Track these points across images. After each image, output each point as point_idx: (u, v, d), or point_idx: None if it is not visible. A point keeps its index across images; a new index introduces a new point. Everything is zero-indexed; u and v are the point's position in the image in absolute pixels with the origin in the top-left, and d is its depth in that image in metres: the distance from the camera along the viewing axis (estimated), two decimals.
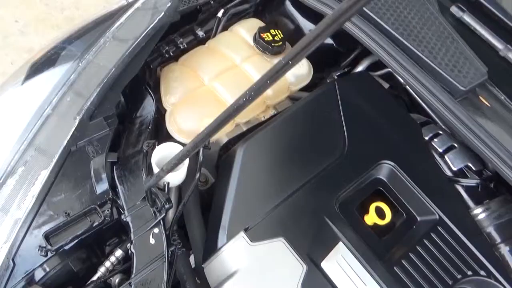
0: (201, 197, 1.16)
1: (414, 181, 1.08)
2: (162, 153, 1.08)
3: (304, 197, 1.02)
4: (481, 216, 1.08)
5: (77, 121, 1.06)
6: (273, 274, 0.93)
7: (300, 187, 1.03)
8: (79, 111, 1.07)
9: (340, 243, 0.98)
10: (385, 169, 1.10)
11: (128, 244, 1.00)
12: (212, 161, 1.25)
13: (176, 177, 1.06)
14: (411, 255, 0.99)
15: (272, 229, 0.98)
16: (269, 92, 1.25)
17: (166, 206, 0.99)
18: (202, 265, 1.00)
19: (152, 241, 0.98)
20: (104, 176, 1.05)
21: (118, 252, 1.05)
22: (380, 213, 1.07)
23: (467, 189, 1.13)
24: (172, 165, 0.82)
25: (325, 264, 0.95)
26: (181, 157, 0.81)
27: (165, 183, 1.03)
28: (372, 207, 1.07)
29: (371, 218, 1.07)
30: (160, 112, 1.25)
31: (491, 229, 1.07)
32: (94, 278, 1.01)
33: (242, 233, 0.97)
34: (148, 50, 1.20)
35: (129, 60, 1.15)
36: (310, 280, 0.93)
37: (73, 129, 1.04)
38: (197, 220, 1.09)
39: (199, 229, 1.07)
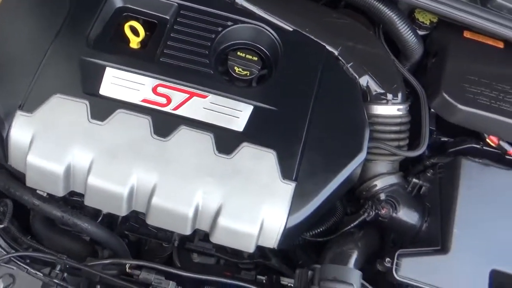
0: None
1: None
2: None
3: (56, 53, 1.06)
4: None
5: None
6: (63, 126, 0.98)
7: (48, 48, 1.06)
8: None
9: (107, 68, 1.05)
10: None
11: None
12: None
13: None
14: (170, 43, 1.11)
15: (42, 93, 1.01)
16: None
17: None
18: (8, 163, 1.03)
19: None
20: None
21: None
22: (135, 31, 1.15)
23: None
24: None
25: (103, 90, 1.03)
26: None
27: None
28: (127, 30, 1.14)
29: (134, 41, 1.16)
30: None
31: None
32: None
33: (18, 112, 0.99)
34: None
35: None
36: (96, 109, 1.00)
37: None
38: None
39: None
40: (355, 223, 1.14)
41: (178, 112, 1.02)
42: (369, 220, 1.15)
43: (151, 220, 0.98)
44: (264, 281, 1.19)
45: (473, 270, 0.98)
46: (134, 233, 1.26)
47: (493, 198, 1.04)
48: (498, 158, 1.15)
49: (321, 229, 1.21)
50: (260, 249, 1.27)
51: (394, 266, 0.96)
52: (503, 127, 1.09)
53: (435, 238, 1.03)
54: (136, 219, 1.20)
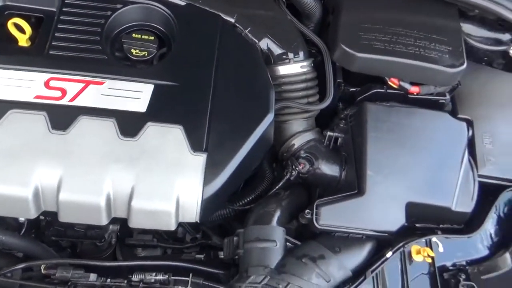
0: None
1: None
2: None
3: None
4: None
5: None
6: None
7: None
8: None
9: None
10: None
11: None
12: None
13: None
14: (58, 35, 1.06)
15: None
16: None
17: None
18: None
19: None
20: None
21: None
22: (20, 29, 1.09)
23: None
24: None
25: None
26: None
27: None
28: (12, 28, 1.08)
29: (22, 39, 1.10)
30: None
31: None
32: None
33: None
34: None
35: None
36: None
37: None
38: None
39: None
40: (279, 185, 1.16)
41: (75, 103, 0.98)
42: (293, 179, 1.17)
43: (64, 217, 0.94)
44: (202, 258, 1.20)
45: (390, 206, 1.02)
46: (62, 237, 1.21)
47: (400, 136, 1.09)
48: (403, 99, 1.20)
49: (251, 197, 1.22)
50: (200, 230, 1.28)
51: (314, 216, 0.99)
52: (400, 68, 1.13)
53: (352, 184, 1.07)
54: (60, 222, 1.16)
